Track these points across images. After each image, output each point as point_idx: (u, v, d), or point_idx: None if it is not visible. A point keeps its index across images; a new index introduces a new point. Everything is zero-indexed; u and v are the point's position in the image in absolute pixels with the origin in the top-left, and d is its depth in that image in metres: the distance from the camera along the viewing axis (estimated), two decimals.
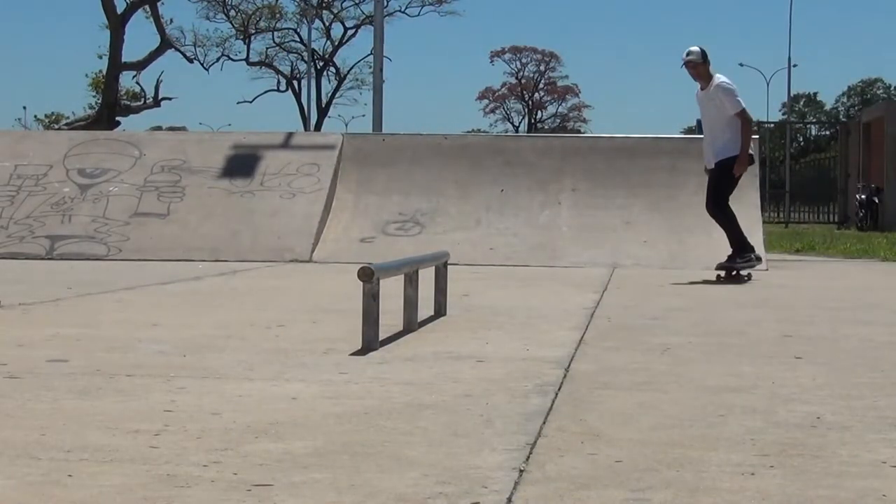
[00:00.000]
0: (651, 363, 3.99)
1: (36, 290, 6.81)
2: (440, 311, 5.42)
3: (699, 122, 9.96)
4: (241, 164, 11.34)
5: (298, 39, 52.35)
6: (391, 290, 4.93)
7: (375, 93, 16.83)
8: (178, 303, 6.37)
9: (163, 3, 33.17)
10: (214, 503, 2.12)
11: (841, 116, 77.37)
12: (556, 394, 3.31)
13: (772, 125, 50.91)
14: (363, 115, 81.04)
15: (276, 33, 52.15)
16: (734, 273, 8.39)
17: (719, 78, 8.57)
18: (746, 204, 10.76)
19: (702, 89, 8.66)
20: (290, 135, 12.22)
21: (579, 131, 72.65)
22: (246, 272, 8.78)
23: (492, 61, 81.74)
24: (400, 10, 50.76)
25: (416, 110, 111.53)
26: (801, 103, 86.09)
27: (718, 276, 8.38)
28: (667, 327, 5.15)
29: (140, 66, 33.36)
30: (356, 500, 2.14)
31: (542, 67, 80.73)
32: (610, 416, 3.00)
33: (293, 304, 6.25)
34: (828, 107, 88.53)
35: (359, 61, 53.94)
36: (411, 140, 11.69)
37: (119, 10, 31.02)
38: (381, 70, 16.92)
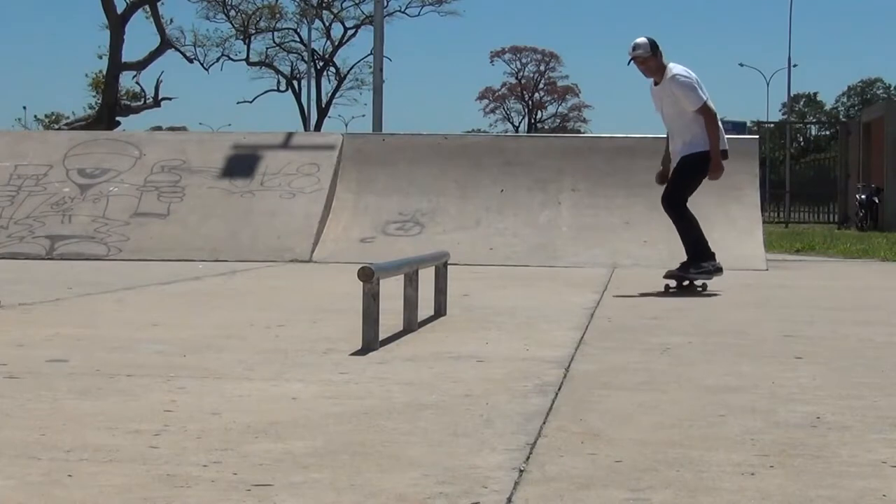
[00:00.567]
0: (651, 363, 3.99)
1: (36, 290, 6.81)
2: (440, 311, 5.42)
3: None
4: (241, 164, 11.34)
5: (298, 39, 52.37)
6: (391, 290, 4.93)
7: (375, 93, 16.83)
8: (178, 303, 6.37)
9: (163, 3, 33.19)
10: (214, 503, 2.12)
11: (841, 116, 77.36)
12: (556, 394, 3.31)
13: (772, 125, 50.89)
14: (363, 115, 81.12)
15: (276, 33, 52.17)
16: (686, 283, 7.29)
17: (673, 69, 7.39)
18: (746, 204, 10.77)
19: (655, 84, 7.50)
20: (290, 135, 12.22)
21: (579, 131, 72.64)
22: (246, 272, 8.78)
23: (492, 61, 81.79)
24: (400, 10, 50.79)
25: (416, 110, 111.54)
26: (801, 103, 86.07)
27: (667, 286, 7.31)
28: (667, 327, 5.15)
29: (140, 66, 33.37)
30: (356, 500, 2.14)
31: (542, 67, 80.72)
32: (610, 416, 3.00)
33: (293, 304, 6.25)
34: (828, 107, 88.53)
35: (359, 61, 53.97)
36: (411, 140, 11.69)
37: (119, 10, 31.02)
38: (381, 70, 16.92)
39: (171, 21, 41.64)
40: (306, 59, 49.62)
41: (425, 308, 5.17)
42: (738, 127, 42.02)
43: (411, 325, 4.82)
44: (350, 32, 51.81)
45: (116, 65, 31.54)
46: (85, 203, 10.97)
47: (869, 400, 3.29)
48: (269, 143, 11.75)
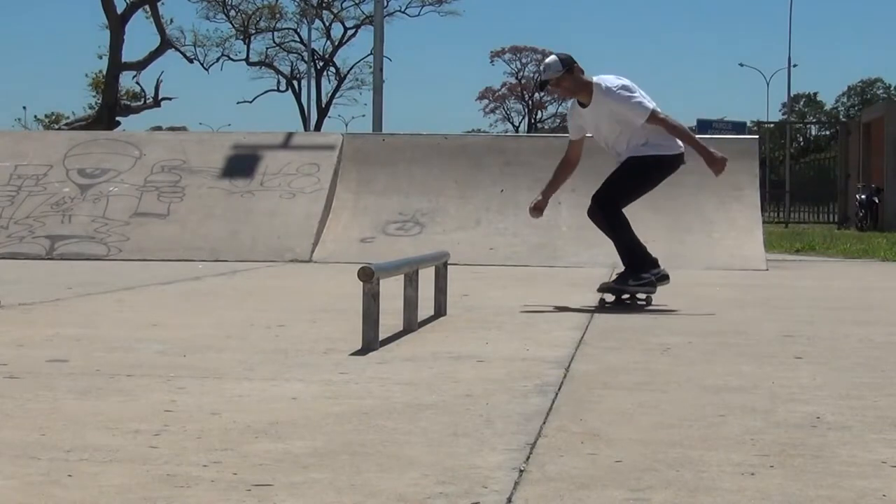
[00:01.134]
0: (651, 363, 3.99)
1: (36, 290, 6.81)
2: (440, 311, 5.42)
3: (699, 121, 9.93)
4: (241, 164, 11.34)
5: (298, 39, 52.38)
6: (391, 290, 4.93)
7: (375, 93, 16.84)
8: (178, 303, 6.37)
9: (163, 3, 33.20)
10: (214, 503, 2.12)
11: (841, 116, 77.37)
12: (556, 394, 3.31)
13: (772, 125, 50.92)
14: (363, 115, 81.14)
15: (276, 33, 52.19)
16: (626, 298, 6.15)
17: (604, 82, 6.17)
18: (746, 204, 10.77)
19: (583, 106, 6.23)
20: (290, 135, 12.22)
21: None
22: (246, 272, 8.78)
23: (492, 61, 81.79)
24: (400, 10, 50.80)
25: (416, 110, 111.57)
26: (801, 103, 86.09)
27: (602, 300, 6.15)
28: (667, 327, 5.15)
29: (140, 66, 33.38)
30: (356, 500, 2.14)
31: (542, 67, 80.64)
32: (610, 416, 2.99)
33: (293, 304, 6.25)
34: (828, 107, 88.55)
35: (359, 61, 53.98)
36: (411, 140, 11.69)
37: (119, 10, 31.03)
38: (381, 70, 16.93)
39: (171, 21, 41.68)
40: (306, 59, 49.63)
41: (425, 308, 5.17)
42: (738, 127, 42.03)
43: (411, 325, 4.82)
44: (350, 32, 51.84)
45: (116, 65, 31.55)
46: (85, 203, 10.97)
47: (869, 400, 3.29)
48: (269, 143, 11.75)
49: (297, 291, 7.24)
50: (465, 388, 3.37)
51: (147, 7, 32.29)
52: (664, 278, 6.18)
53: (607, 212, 6.22)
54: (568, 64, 6.14)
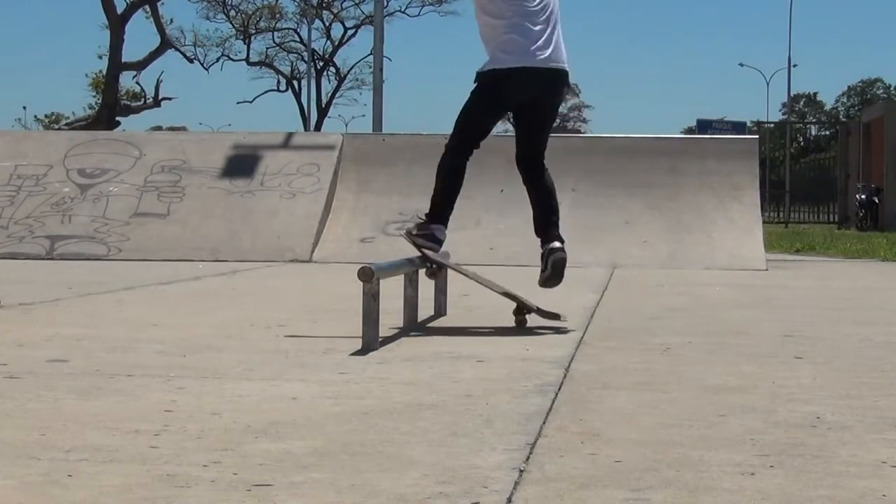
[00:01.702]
0: (651, 363, 3.99)
1: (36, 290, 6.81)
2: (440, 311, 5.42)
3: (699, 121, 9.95)
4: (241, 164, 11.33)
5: (298, 39, 52.38)
6: (391, 290, 4.93)
7: (375, 93, 16.84)
8: (178, 303, 6.37)
9: (163, 3, 33.22)
10: (214, 503, 2.12)
11: (841, 116, 77.38)
12: (556, 394, 3.30)
13: (772, 125, 50.92)
14: (363, 115, 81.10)
15: (276, 33, 52.18)
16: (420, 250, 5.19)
17: None
18: (746, 204, 10.77)
19: None
20: (290, 135, 12.22)
21: (579, 131, 72.61)
22: (246, 272, 8.78)
23: None
24: (400, 10, 50.76)
25: (416, 110, 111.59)
26: (801, 103, 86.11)
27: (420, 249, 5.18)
28: (667, 327, 5.15)
29: (140, 66, 33.39)
30: (356, 500, 2.14)
31: None
32: (610, 416, 2.99)
33: (293, 304, 6.25)
34: (828, 107, 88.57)
35: (359, 61, 53.95)
36: (411, 140, 11.69)
37: (119, 10, 31.04)
38: (381, 70, 16.93)
39: (171, 21, 41.67)
40: (306, 59, 49.64)
41: (425, 308, 5.17)
42: (738, 127, 42.05)
43: (411, 325, 4.82)
44: (350, 32, 51.83)
45: (116, 65, 31.55)
46: (85, 203, 10.97)
47: (869, 400, 3.29)
48: (269, 143, 11.74)
49: (297, 291, 7.24)
50: (465, 388, 3.37)
51: (147, 7, 32.30)
52: (432, 240, 5.15)
53: (447, 155, 5.45)
54: None
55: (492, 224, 10.61)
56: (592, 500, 2.16)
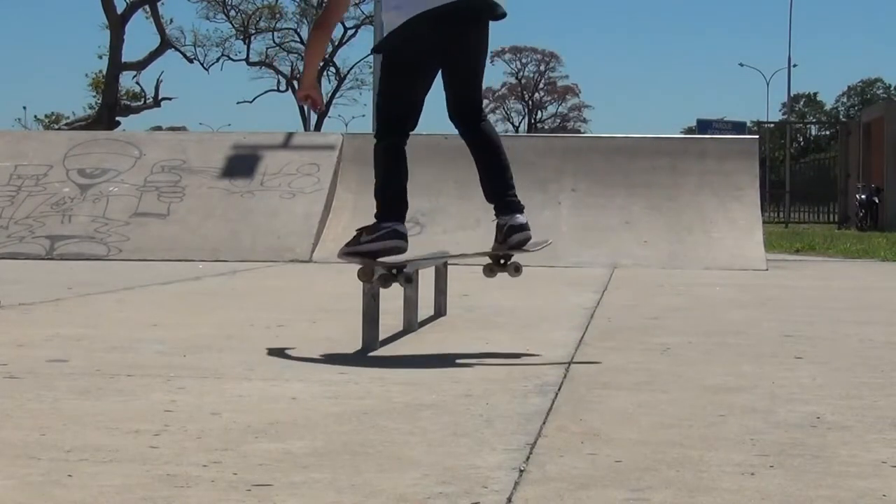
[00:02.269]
0: (651, 363, 3.99)
1: (36, 290, 6.80)
2: (440, 311, 5.42)
3: (699, 121, 9.96)
4: (241, 164, 11.34)
5: (298, 39, 52.40)
6: (391, 290, 4.93)
7: (375, 93, 16.83)
8: (178, 303, 6.37)
9: (163, 3, 33.25)
10: (214, 503, 2.11)
11: (841, 116, 77.39)
12: (556, 394, 3.30)
13: (772, 125, 50.91)
14: (363, 115, 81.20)
15: (276, 33, 52.24)
16: (501, 261, 4.86)
17: None
18: (746, 204, 10.77)
19: None
20: (290, 135, 12.22)
21: (579, 131, 72.69)
22: (246, 272, 8.78)
23: (492, 61, 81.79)
24: None
25: None
26: (801, 103, 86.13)
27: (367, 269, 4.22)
28: (667, 327, 5.15)
29: (140, 66, 33.42)
30: (356, 500, 2.14)
31: (542, 67, 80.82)
32: (610, 416, 2.99)
33: (293, 304, 6.25)
34: (828, 107, 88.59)
35: (359, 61, 54.06)
36: (411, 140, 11.64)
37: (119, 10, 31.07)
38: None
39: (171, 21, 41.78)
40: None
41: (425, 308, 5.17)
42: (738, 127, 42.07)
43: (411, 325, 4.82)
44: (350, 32, 51.86)
45: (116, 65, 31.57)
46: (85, 203, 10.97)
47: (869, 400, 3.29)
48: (269, 143, 11.75)
49: (297, 291, 7.23)
50: (465, 388, 3.37)
51: (147, 7, 32.32)
52: (398, 238, 4.26)
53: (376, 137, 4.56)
54: None
55: (492, 224, 10.59)
56: (592, 500, 2.16)
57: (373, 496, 2.16)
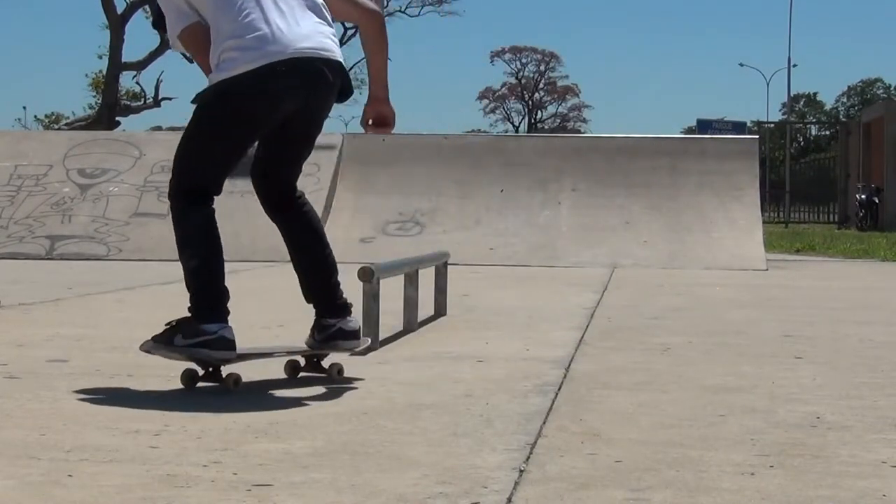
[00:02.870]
0: (651, 363, 3.98)
1: (36, 290, 6.80)
2: (440, 311, 5.42)
3: (699, 121, 9.92)
4: (242, 164, 11.31)
5: None
6: (391, 290, 4.93)
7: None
8: (178, 303, 6.35)
9: None
10: (214, 503, 2.11)
11: (841, 116, 77.38)
12: (556, 394, 3.30)
13: (772, 125, 50.92)
14: None
15: None
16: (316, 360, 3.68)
17: None
18: (746, 204, 10.78)
19: None
20: None
21: (579, 131, 72.69)
22: (246, 272, 8.78)
23: (492, 61, 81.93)
24: (400, 10, 50.79)
25: (416, 110, 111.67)
26: (801, 103, 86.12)
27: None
28: (667, 327, 5.15)
29: (140, 66, 33.41)
30: (356, 500, 2.14)
31: (542, 67, 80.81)
32: (610, 416, 2.99)
33: (293, 304, 6.24)
34: (828, 107, 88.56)
35: (359, 61, 53.91)
36: (411, 140, 11.69)
37: (119, 10, 31.06)
38: None
39: None
40: None
41: (425, 308, 5.17)
42: (738, 127, 42.06)
43: (411, 325, 4.82)
44: (350, 32, 51.82)
45: (116, 65, 31.58)
46: (85, 203, 10.97)
47: (869, 400, 3.29)
48: None
49: (297, 292, 7.21)
50: (465, 388, 3.37)
51: (147, 7, 32.29)
52: (225, 344, 3.36)
53: (174, 201, 3.61)
54: None
55: (492, 224, 10.61)
56: (592, 500, 2.16)
57: (373, 496, 2.16)
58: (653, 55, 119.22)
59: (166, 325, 3.43)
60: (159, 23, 3.76)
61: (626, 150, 11.27)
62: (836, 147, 37.09)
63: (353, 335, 3.60)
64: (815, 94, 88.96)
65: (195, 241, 3.55)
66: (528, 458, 2.48)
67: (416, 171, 11.26)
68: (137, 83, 35.79)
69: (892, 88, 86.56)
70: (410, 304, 4.83)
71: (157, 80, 34.83)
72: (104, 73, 33.68)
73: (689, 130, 54.53)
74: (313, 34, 3.57)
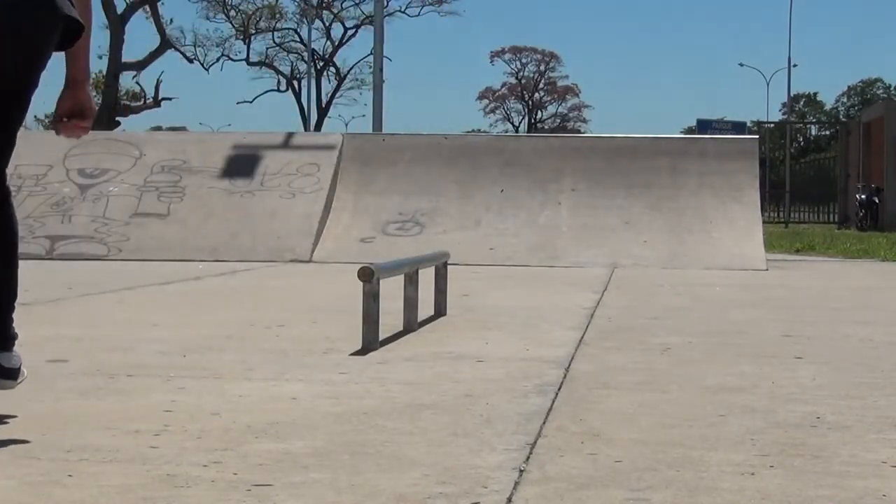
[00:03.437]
0: (651, 363, 3.99)
1: (36, 290, 6.80)
2: (440, 311, 5.42)
3: (699, 121, 9.96)
4: (241, 164, 11.34)
5: (298, 39, 52.43)
6: (391, 290, 4.93)
7: (375, 93, 16.85)
8: (178, 303, 6.37)
9: (163, 3, 33.26)
10: (214, 503, 2.11)
11: (841, 116, 77.37)
12: (556, 394, 3.30)
13: (772, 125, 50.93)
14: (363, 115, 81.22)
15: (276, 33, 52.25)
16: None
17: None
18: (746, 204, 10.78)
19: None
20: (290, 135, 12.23)
21: (579, 131, 72.71)
22: (246, 272, 8.78)
23: (492, 61, 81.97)
24: (400, 10, 50.87)
25: (416, 110, 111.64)
26: (801, 103, 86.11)
27: None
28: (667, 327, 5.15)
29: (140, 66, 33.44)
30: (356, 500, 2.14)
31: (542, 67, 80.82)
32: (610, 416, 2.99)
33: (293, 304, 6.25)
34: (828, 107, 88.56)
35: (359, 61, 54.10)
36: (411, 140, 11.69)
37: (119, 11, 31.07)
38: (381, 70, 16.94)
39: (171, 21, 41.82)
40: (306, 59, 49.68)
41: (425, 308, 5.17)
42: (738, 127, 42.05)
43: (411, 325, 4.82)
44: (350, 32, 51.90)
45: (116, 65, 31.59)
46: (85, 203, 10.98)
47: (869, 400, 3.29)
48: (269, 143, 11.75)
49: (297, 291, 7.23)
50: (465, 388, 3.37)
51: (147, 7, 32.33)
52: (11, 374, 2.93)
53: None
54: None
55: (492, 224, 10.61)
56: (592, 500, 2.16)
57: (373, 496, 2.16)
58: (653, 55, 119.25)
59: None
60: None
61: (625, 151, 11.27)
62: (836, 147, 37.10)
63: (9, 373, 2.90)
64: (815, 94, 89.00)
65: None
66: (528, 458, 2.48)
67: (416, 171, 11.26)
68: (137, 83, 35.85)
69: (892, 88, 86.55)
70: (410, 304, 4.83)
71: (157, 80, 34.92)
72: (104, 73, 33.69)
73: (689, 130, 54.52)
74: None
